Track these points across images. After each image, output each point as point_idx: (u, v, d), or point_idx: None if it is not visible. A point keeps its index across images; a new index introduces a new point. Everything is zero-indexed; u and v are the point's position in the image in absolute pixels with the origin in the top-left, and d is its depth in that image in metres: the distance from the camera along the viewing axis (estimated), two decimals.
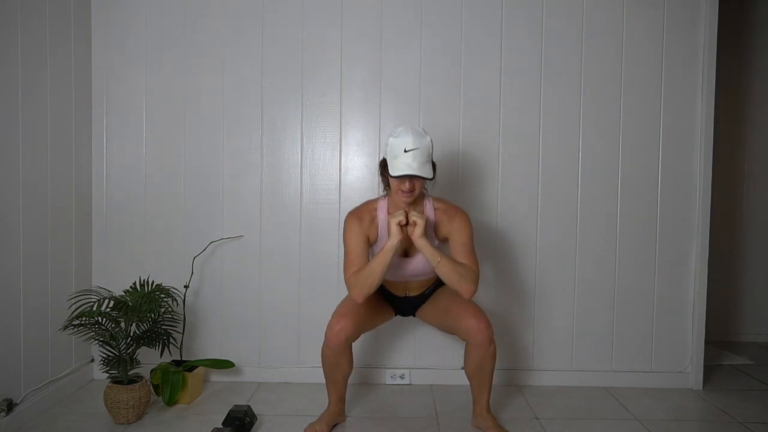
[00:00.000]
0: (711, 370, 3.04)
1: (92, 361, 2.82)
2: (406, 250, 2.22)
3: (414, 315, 2.42)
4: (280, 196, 2.83)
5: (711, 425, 2.39)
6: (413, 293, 2.36)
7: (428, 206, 2.21)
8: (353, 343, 2.24)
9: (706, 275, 2.78)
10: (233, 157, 2.83)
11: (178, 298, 2.58)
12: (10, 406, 2.20)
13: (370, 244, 2.21)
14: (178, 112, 2.82)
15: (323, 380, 2.80)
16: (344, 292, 2.81)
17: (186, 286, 2.71)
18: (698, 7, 2.76)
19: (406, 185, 2.05)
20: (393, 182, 2.10)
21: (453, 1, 2.77)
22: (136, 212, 2.83)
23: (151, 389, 2.44)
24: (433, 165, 2.12)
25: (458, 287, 2.05)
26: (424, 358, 2.85)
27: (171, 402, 2.45)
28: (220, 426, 2.18)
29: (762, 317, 3.76)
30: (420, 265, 2.19)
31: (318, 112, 2.81)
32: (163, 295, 2.47)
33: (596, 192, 2.81)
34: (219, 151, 2.83)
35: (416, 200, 2.17)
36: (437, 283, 2.36)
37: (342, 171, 2.82)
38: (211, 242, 2.79)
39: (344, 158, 2.82)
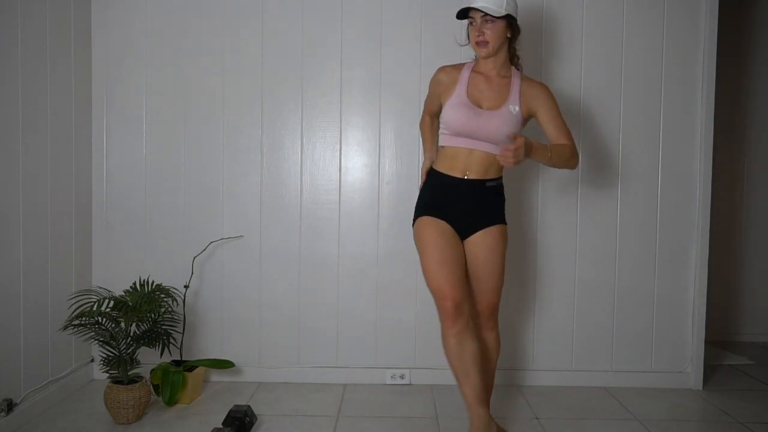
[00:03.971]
0: (711, 370, 3.04)
1: (92, 361, 2.82)
2: (479, 102, 2.08)
3: (466, 237, 2.12)
4: (280, 196, 2.83)
5: (711, 425, 2.39)
6: (473, 175, 2.07)
7: (516, 74, 2.14)
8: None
9: (706, 275, 2.79)
10: (233, 157, 2.82)
11: (178, 298, 2.58)
12: (10, 406, 2.20)
13: (446, 97, 2.12)
14: (178, 112, 2.82)
15: (323, 380, 2.82)
16: (343, 293, 2.82)
17: (186, 286, 2.71)
18: (698, 7, 2.76)
19: (477, 34, 2.04)
20: (471, 35, 2.08)
21: (453, 1, 2.77)
22: (136, 212, 2.83)
23: (151, 389, 2.44)
24: (515, 21, 2.07)
25: (565, 167, 2.14)
26: (424, 358, 2.85)
27: (171, 402, 2.45)
28: (220, 426, 2.18)
29: (762, 317, 3.76)
30: (493, 128, 2.02)
31: (318, 112, 2.81)
32: (163, 295, 2.47)
33: (596, 192, 2.81)
34: (219, 151, 2.83)
35: (503, 64, 2.11)
36: (499, 188, 2.15)
37: (342, 171, 2.82)
38: (211, 242, 2.79)
39: (344, 158, 2.82)
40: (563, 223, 2.81)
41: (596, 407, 2.56)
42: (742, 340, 3.72)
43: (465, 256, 2.13)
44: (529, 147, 1.95)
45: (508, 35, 2.09)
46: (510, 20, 2.06)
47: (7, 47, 2.19)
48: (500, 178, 2.16)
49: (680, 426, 2.38)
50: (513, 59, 2.17)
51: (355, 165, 2.82)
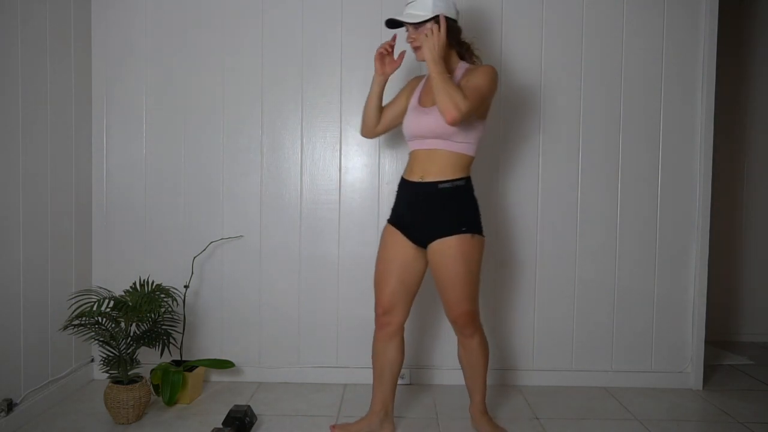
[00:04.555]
0: (711, 370, 3.04)
1: (92, 361, 2.82)
2: (426, 104, 2.11)
3: (426, 246, 2.11)
4: (280, 196, 2.83)
5: (711, 425, 2.39)
6: (429, 177, 2.06)
7: (461, 66, 2.11)
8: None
9: (706, 275, 2.79)
10: (233, 157, 2.82)
11: (178, 298, 2.58)
12: (10, 406, 2.20)
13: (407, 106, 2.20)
14: (178, 112, 2.82)
15: (323, 380, 2.82)
16: (343, 293, 2.82)
17: (186, 286, 2.71)
18: (698, 7, 2.76)
19: (410, 40, 2.09)
20: None
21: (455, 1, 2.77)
22: (136, 212, 2.83)
23: (151, 389, 2.44)
24: (450, 19, 2.04)
25: (441, 107, 1.91)
26: (424, 358, 2.85)
27: (171, 402, 2.45)
28: (220, 426, 2.18)
29: (762, 317, 3.76)
30: (432, 121, 2.01)
31: (318, 112, 2.81)
32: (163, 295, 2.47)
33: (596, 192, 2.81)
34: (219, 151, 2.83)
35: (445, 63, 2.03)
36: (456, 191, 2.07)
37: (342, 171, 2.82)
38: (211, 242, 2.79)
39: (344, 158, 2.82)
40: (563, 223, 2.81)
41: (596, 407, 2.56)
42: (742, 340, 3.72)
43: (419, 266, 2.17)
44: (437, 52, 1.96)
45: (446, 35, 2.03)
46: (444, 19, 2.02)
47: (7, 47, 2.19)
48: (460, 179, 2.08)
49: (680, 426, 2.38)
50: (464, 55, 2.16)
51: (355, 165, 2.82)
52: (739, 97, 3.72)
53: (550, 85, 2.78)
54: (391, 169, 2.81)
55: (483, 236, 2.13)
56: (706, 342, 2.85)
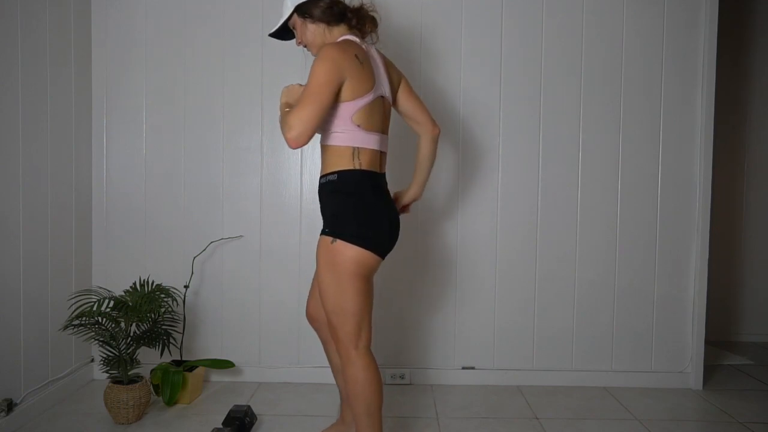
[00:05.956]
0: (711, 370, 3.04)
1: (92, 361, 2.82)
2: None
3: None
4: (280, 196, 2.83)
5: (711, 425, 2.40)
6: (320, 174, 1.91)
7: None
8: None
9: (706, 275, 2.78)
10: (233, 157, 2.83)
11: (178, 298, 2.58)
12: (10, 406, 2.20)
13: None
14: (178, 112, 2.82)
15: (323, 380, 2.82)
16: None
17: (186, 286, 2.71)
18: (698, 7, 2.76)
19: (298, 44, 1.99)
20: None
21: (453, 2, 2.78)
22: (136, 212, 2.83)
23: (151, 389, 2.44)
24: (303, 11, 1.89)
25: (282, 125, 1.70)
26: (424, 358, 2.85)
27: (171, 402, 2.45)
28: (220, 426, 2.18)
29: (762, 317, 3.76)
30: None
31: None
32: (163, 295, 2.47)
33: (596, 192, 2.81)
34: (219, 151, 2.83)
35: (329, 38, 1.90)
36: (327, 186, 1.84)
37: None
38: (211, 242, 2.79)
39: None
40: (563, 223, 2.81)
41: (596, 407, 2.57)
42: (742, 340, 3.72)
43: None
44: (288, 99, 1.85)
45: (313, 21, 1.89)
46: (302, 9, 1.88)
47: (7, 47, 2.20)
48: (332, 173, 1.80)
49: (680, 426, 2.38)
50: (359, 24, 1.92)
51: None
52: (739, 97, 3.72)
53: (551, 85, 2.78)
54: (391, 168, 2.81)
55: (350, 242, 1.73)
56: (706, 342, 2.86)
